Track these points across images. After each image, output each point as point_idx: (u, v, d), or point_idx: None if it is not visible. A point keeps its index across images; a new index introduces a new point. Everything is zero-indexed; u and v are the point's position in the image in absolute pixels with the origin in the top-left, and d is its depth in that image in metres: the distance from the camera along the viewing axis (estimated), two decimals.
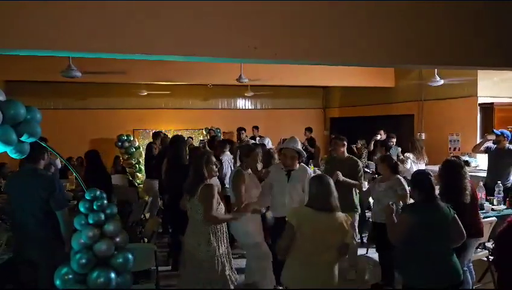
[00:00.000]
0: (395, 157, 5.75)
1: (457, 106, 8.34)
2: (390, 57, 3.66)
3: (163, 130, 9.65)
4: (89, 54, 3.08)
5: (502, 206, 5.13)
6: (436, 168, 6.97)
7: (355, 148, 8.10)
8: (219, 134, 10.71)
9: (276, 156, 5.26)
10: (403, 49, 3.64)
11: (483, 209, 4.86)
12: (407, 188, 4.24)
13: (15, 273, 3.33)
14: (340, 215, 2.98)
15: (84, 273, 2.44)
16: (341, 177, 4.57)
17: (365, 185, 6.87)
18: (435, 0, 3.61)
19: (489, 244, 4.45)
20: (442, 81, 7.70)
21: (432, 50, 3.71)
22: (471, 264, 4.02)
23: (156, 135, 8.24)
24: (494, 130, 6.09)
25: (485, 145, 6.16)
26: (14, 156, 2.29)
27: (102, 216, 2.51)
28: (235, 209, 3.87)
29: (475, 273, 4.12)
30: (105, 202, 2.56)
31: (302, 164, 4.40)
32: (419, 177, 3.17)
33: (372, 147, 8.23)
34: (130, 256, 2.60)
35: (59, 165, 6.93)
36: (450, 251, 3.04)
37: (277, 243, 3.09)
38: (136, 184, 8.62)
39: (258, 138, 9.86)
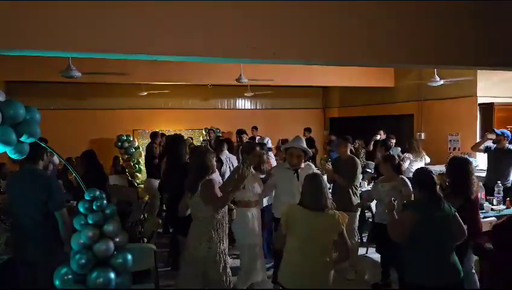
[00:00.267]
0: None
1: (457, 106, 8.35)
2: (390, 56, 3.66)
3: (163, 130, 9.67)
4: (89, 54, 3.08)
5: (502, 206, 5.13)
6: (436, 167, 7.01)
7: (353, 148, 8.09)
8: (219, 134, 10.71)
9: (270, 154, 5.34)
10: (402, 49, 3.64)
11: (482, 209, 4.86)
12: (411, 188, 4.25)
13: (14, 273, 3.33)
14: (333, 214, 2.99)
15: (84, 273, 2.44)
16: (336, 178, 4.69)
17: (365, 185, 6.91)
18: (436, 0, 3.61)
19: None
20: (441, 81, 7.70)
21: (432, 50, 3.71)
22: (472, 266, 4.02)
23: (155, 135, 8.25)
24: (495, 129, 6.09)
25: (485, 144, 6.15)
26: (13, 156, 2.29)
27: (102, 216, 2.51)
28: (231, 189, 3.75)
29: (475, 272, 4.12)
30: (105, 202, 2.56)
31: (307, 162, 4.44)
32: (421, 175, 3.18)
33: (371, 147, 8.23)
34: (129, 256, 2.60)
35: (57, 161, 6.92)
36: (452, 249, 3.05)
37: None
38: (136, 184, 8.62)
39: (257, 138, 9.85)
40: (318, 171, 4.31)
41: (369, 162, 8.06)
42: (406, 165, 6.35)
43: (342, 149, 5.09)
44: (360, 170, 5.02)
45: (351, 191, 4.83)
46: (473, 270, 3.83)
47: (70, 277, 2.44)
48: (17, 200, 3.32)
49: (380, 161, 4.95)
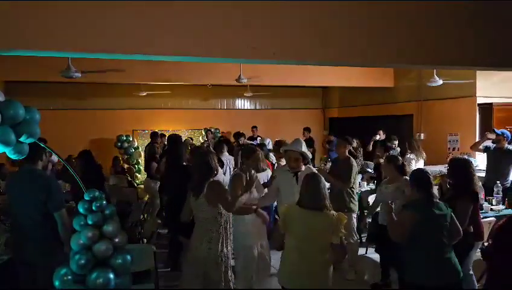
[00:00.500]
0: None
1: (456, 106, 8.35)
2: (389, 57, 3.67)
3: (163, 131, 9.67)
4: (89, 54, 3.08)
5: (501, 207, 5.13)
6: (435, 168, 7.02)
7: (352, 148, 8.07)
8: (218, 134, 10.71)
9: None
10: (402, 49, 3.65)
11: (482, 209, 4.86)
12: None
13: (14, 274, 3.33)
14: (330, 214, 2.99)
15: (83, 274, 2.43)
16: (332, 180, 4.81)
17: (364, 186, 6.91)
18: (435, 0, 3.61)
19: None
20: (441, 82, 7.70)
21: (431, 50, 3.72)
22: (470, 267, 4.03)
23: (155, 135, 8.26)
24: (495, 129, 6.10)
25: (484, 144, 6.16)
26: (13, 156, 2.29)
27: (102, 217, 2.50)
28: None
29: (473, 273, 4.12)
30: (105, 202, 2.55)
31: (308, 165, 4.45)
32: (419, 175, 3.20)
33: (371, 148, 8.23)
34: (129, 257, 2.60)
35: (55, 160, 6.91)
36: (450, 249, 3.05)
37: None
38: (136, 184, 8.62)
39: (258, 138, 9.85)
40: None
41: (369, 162, 8.07)
42: (412, 166, 6.33)
43: (341, 149, 5.16)
44: (355, 170, 5.04)
45: (345, 192, 4.86)
46: (471, 272, 3.83)
47: (69, 277, 2.43)
48: (16, 201, 3.32)
49: (382, 162, 4.95)
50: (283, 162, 5.61)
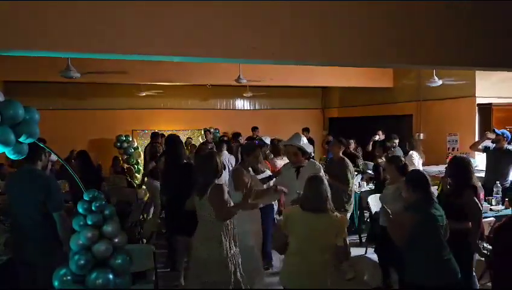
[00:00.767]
0: None
1: (455, 106, 8.36)
2: (389, 57, 3.66)
3: (162, 131, 9.65)
4: (88, 54, 3.07)
5: (501, 207, 5.13)
6: (435, 168, 7.02)
7: (351, 149, 8.08)
8: (218, 134, 10.70)
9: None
10: (401, 49, 3.64)
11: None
12: None
13: (14, 274, 3.32)
14: (333, 216, 2.99)
15: (83, 274, 2.43)
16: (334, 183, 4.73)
17: (364, 186, 6.91)
18: (435, 0, 3.61)
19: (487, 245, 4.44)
20: (440, 82, 7.71)
21: (431, 50, 3.72)
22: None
23: (156, 134, 8.26)
24: (495, 129, 6.10)
25: (484, 144, 6.16)
26: (12, 157, 2.28)
27: (101, 217, 2.50)
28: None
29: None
30: (104, 202, 2.55)
31: (311, 160, 4.47)
32: (416, 176, 3.20)
33: (370, 148, 8.23)
34: (128, 257, 2.60)
35: (54, 158, 6.91)
36: (448, 249, 3.06)
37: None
38: (135, 185, 8.61)
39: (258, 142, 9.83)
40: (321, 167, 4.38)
41: (368, 162, 8.06)
42: (415, 163, 6.37)
43: (335, 150, 5.29)
44: (351, 171, 5.04)
45: (343, 192, 4.87)
46: (473, 273, 3.83)
47: (69, 277, 2.43)
48: (16, 201, 3.32)
49: (381, 162, 4.95)
50: (279, 161, 5.63)
